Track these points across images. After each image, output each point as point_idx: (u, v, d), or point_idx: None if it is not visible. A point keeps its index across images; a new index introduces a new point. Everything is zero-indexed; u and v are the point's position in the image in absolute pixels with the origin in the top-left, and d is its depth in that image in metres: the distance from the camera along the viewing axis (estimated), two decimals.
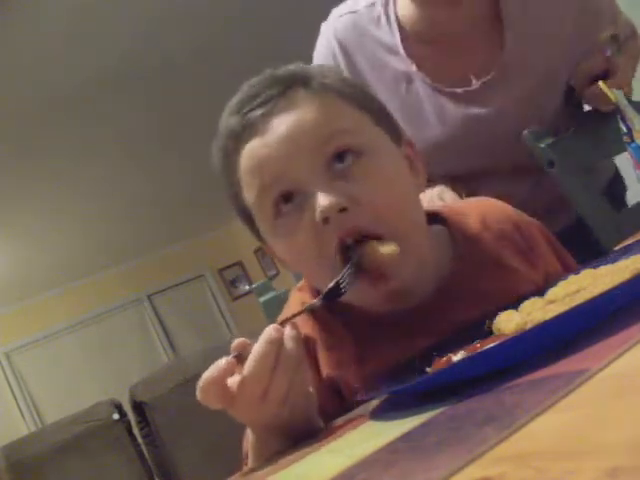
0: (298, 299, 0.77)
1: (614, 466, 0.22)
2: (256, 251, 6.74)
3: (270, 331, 0.56)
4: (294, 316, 0.60)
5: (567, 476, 0.23)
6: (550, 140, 1.10)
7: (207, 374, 0.54)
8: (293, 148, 0.63)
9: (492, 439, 0.31)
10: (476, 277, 0.72)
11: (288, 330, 0.57)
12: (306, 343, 0.70)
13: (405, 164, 0.70)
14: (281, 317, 0.75)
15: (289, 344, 0.56)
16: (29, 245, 5.03)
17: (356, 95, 0.69)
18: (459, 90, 1.04)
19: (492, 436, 0.32)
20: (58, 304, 6.21)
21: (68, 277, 6.12)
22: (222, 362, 0.55)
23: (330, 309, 0.71)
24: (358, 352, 0.69)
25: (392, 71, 1.05)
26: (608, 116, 1.12)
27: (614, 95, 1.04)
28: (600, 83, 1.07)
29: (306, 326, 0.71)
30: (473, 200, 0.86)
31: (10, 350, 6.05)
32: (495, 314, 0.55)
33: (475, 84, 1.05)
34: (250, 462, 0.66)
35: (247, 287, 6.89)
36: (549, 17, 1.07)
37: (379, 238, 0.63)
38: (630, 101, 1.06)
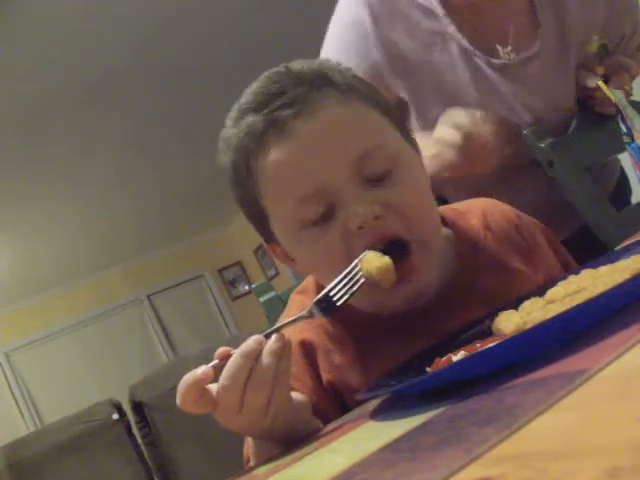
0: (298, 302, 0.75)
1: (614, 466, 0.22)
2: (255, 251, 6.74)
3: (249, 343, 0.54)
4: (281, 327, 0.57)
5: (567, 476, 0.23)
6: (550, 140, 1.10)
7: (184, 380, 0.54)
8: (329, 162, 0.62)
9: (492, 439, 0.31)
10: (478, 279, 0.72)
11: (270, 342, 0.55)
12: (305, 348, 0.70)
13: (421, 166, 0.70)
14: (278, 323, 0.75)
15: (266, 359, 0.54)
16: (29, 245, 5.03)
17: (376, 97, 0.68)
18: (495, 60, 1.04)
19: (492, 436, 0.32)
20: (58, 304, 6.21)
21: (68, 277, 6.12)
22: (200, 369, 0.54)
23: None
24: (359, 355, 0.69)
25: (426, 32, 1.02)
26: (608, 116, 1.13)
27: (614, 95, 1.04)
28: (600, 83, 1.07)
29: (305, 330, 0.70)
30: (475, 200, 0.86)
31: (10, 350, 6.04)
32: (495, 314, 0.55)
33: (513, 56, 1.05)
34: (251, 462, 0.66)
35: (247, 287, 6.89)
36: (581, 19, 1.08)
37: (407, 247, 0.63)
38: (630, 101, 1.06)
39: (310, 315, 0.59)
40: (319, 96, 0.63)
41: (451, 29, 1.02)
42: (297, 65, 0.66)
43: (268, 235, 0.71)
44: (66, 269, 5.91)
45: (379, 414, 0.55)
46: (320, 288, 0.69)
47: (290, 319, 0.59)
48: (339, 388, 0.69)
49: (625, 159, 1.20)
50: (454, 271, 0.72)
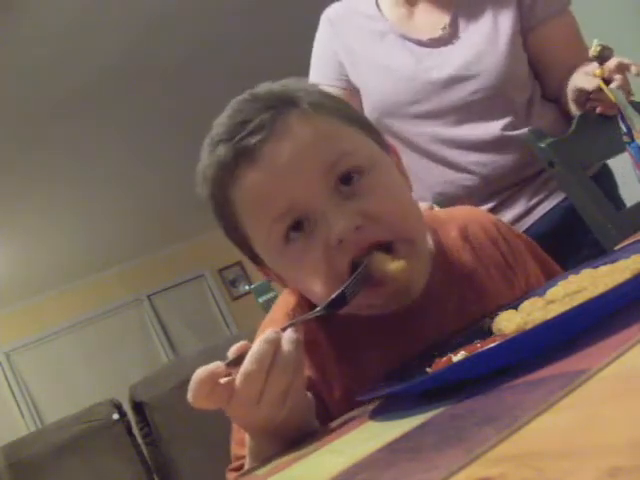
0: (283, 302, 0.76)
1: (614, 466, 0.22)
2: None
3: (269, 332, 0.56)
4: (294, 323, 0.59)
5: (567, 476, 0.23)
6: (550, 140, 1.10)
7: (196, 376, 0.54)
8: (299, 177, 0.62)
9: (492, 439, 0.31)
10: (452, 292, 0.73)
11: (287, 333, 0.57)
12: None
13: (396, 170, 0.71)
14: (267, 317, 0.76)
15: (287, 346, 0.56)
16: (29, 245, 5.02)
17: (343, 110, 0.69)
18: (424, 38, 1.28)
19: (492, 436, 0.32)
20: (58, 304, 6.21)
21: (68, 277, 6.11)
22: (212, 365, 0.55)
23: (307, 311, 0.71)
24: (337, 355, 0.71)
25: (369, 31, 1.33)
26: (608, 116, 1.13)
27: (614, 95, 1.04)
28: (601, 83, 1.07)
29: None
30: (458, 208, 0.89)
31: (10, 350, 6.04)
32: (495, 314, 0.56)
33: (435, 33, 1.28)
34: (247, 464, 0.66)
35: (247, 287, 6.88)
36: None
37: (391, 248, 0.63)
38: (630, 101, 1.06)
39: (322, 312, 0.61)
40: (283, 119, 0.63)
41: (387, 25, 1.32)
42: (262, 91, 0.67)
43: (257, 260, 0.72)
44: (66, 269, 5.90)
45: (379, 414, 0.55)
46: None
47: (305, 316, 0.62)
48: (317, 383, 0.70)
49: (625, 159, 1.20)
50: (431, 280, 0.71)
